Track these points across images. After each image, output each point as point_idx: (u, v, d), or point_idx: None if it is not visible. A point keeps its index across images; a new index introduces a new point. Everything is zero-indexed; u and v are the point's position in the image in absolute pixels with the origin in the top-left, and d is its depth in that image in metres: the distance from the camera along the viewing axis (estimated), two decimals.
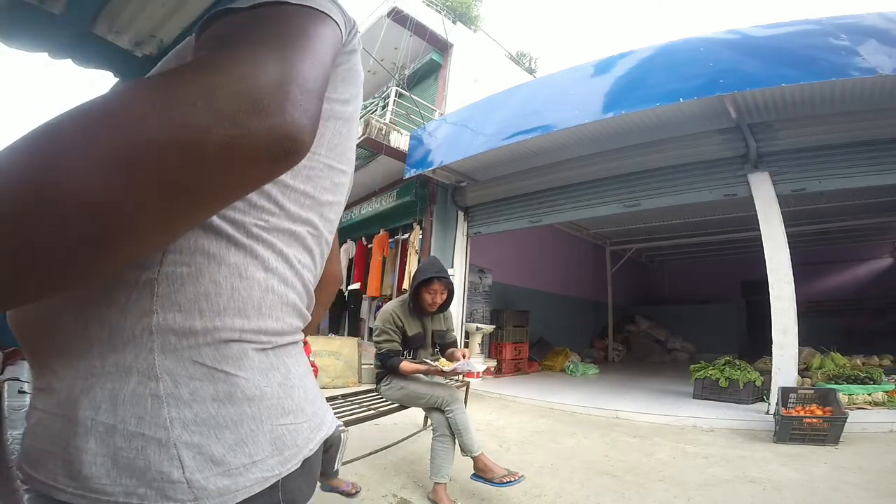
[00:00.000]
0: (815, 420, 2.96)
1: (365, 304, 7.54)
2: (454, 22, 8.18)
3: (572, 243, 8.95)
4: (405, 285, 6.09)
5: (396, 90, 6.85)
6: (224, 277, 0.39)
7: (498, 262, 7.23)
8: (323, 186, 0.48)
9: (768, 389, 3.73)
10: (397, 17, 7.36)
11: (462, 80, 7.69)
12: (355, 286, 7.29)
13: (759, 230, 3.99)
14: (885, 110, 3.69)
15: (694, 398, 4.41)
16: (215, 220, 0.39)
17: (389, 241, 7.02)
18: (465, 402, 2.47)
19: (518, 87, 5.36)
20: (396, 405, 2.44)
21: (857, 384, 3.64)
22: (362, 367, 5.57)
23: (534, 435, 3.38)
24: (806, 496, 2.14)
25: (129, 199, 0.26)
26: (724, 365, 4.39)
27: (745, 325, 9.70)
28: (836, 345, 4.56)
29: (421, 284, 2.42)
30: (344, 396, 2.71)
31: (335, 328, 8.15)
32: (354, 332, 7.66)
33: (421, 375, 2.35)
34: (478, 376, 5.56)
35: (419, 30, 7.57)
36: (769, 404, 3.61)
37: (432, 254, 6.02)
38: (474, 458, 2.11)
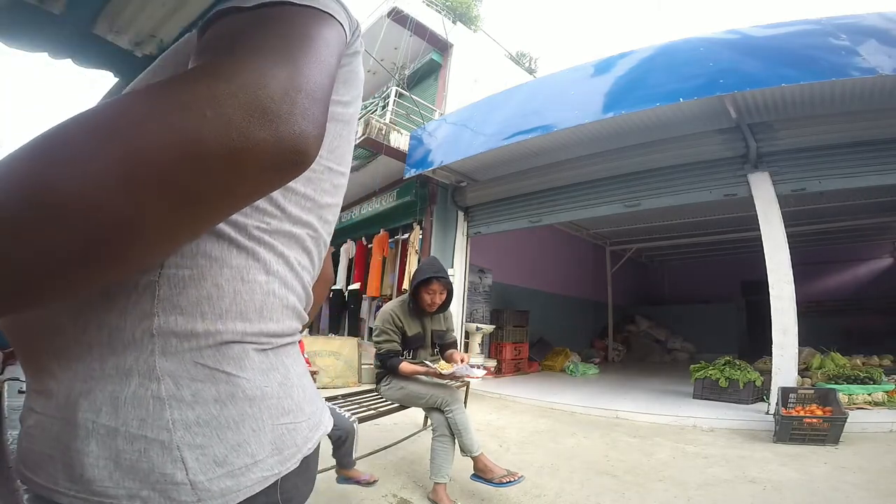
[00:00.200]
0: (815, 420, 2.96)
1: (365, 304, 7.54)
2: (454, 22, 8.18)
3: (572, 243, 8.95)
4: (405, 285, 6.09)
5: (396, 90, 6.85)
6: (226, 280, 0.39)
7: (498, 262, 7.23)
8: (323, 189, 0.48)
9: (768, 389, 3.73)
10: (397, 17, 7.36)
11: (462, 80, 7.69)
12: (355, 286, 7.29)
13: (759, 230, 3.99)
14: (885, 110, 3.69)
15: (694, 398, 4.41)
16: None
17: (389, 241, 7.02)
18: (465, 403, 2.47)
19: (518, 87, 5.36)
20: (396, 405, 2.44)
21: (857, 384, 3.64)
22: (362, 367, 5.57)
23: (534, 435, 3.38)
24: (806, 496, 2.14)
25: (137, 207, 0.26)
26: (724, 365, 4.39)
27: (745, 325, 9.70)
28: (836, 345, 4.57)
29: (420, 285, 2.42)
30: (344, 396, 2.71)
31: (335, 328, 8.14)
32: (354, 332, 7.66)
33: (421, 376, 2.36)
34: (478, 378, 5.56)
35: (419, 30, 7.57)
36: (769, 404, 3.62)
37: (432, 254, 6.02)
38: (474, 459, 2.11)
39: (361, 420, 2.24)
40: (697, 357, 6.86)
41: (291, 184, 0.44)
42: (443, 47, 7.88)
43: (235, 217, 0.40)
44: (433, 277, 2.40)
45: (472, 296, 6.50)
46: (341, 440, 2.02)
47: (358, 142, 5.73)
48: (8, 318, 0.40)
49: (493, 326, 6.51)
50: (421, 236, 6.29)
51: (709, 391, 4.31)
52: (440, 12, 7.97)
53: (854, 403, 3.46)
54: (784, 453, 2.80)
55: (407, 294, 2.52)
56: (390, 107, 6.62)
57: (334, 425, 1.95)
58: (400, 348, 2.40)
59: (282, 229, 0.43)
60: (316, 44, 0.36)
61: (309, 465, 0.47)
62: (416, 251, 6.20)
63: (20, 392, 1.25)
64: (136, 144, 0.26)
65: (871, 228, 7.38)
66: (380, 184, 6.95)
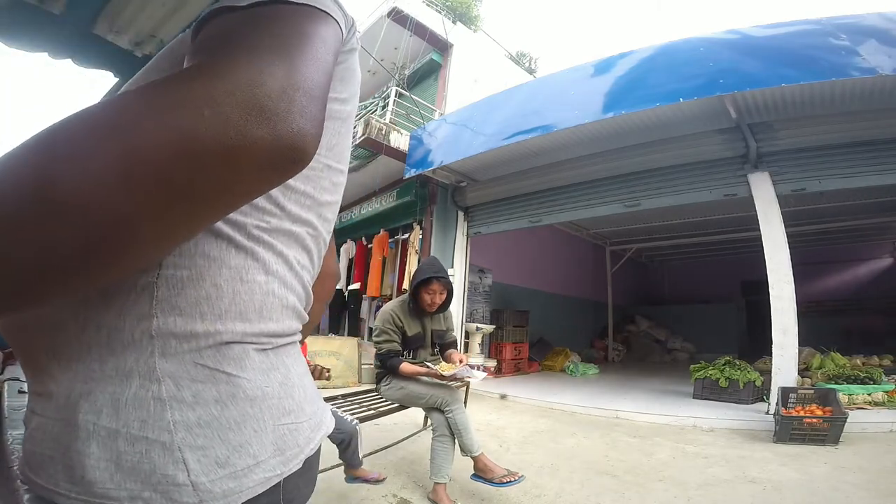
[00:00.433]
0: (815, 420, 2.96)
1: (365, 304, 7.54)
2: (454, 22, 8.18)
3: (572, 243, 8.95)
4: (405, 285, 6.09)
5: (396, 90, 6.85)
6: (225, 281, 0.38)
7: (498, 262, 7.23)
8: (322, 187, 0.47)
9: (768, 389, 3.73)
10: (397, 17, 7.36)
11: (462, 80, 7.69)
12: (355, 286, 7.29)
13: (759, 230, 3.99)
14: (885, 110, 3.69)
15: (694, 398, 4.41)
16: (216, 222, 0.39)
17: (389, 241, 7.02)
18: (465, 403, 2.47)
19: (518, 87, 5.36)
20: (396, 405, 2.44)
21: (857, 384, 3.64)
22: (362, 367, 5.57)
23: (534, 435, 3.38)
24: (806, 496, 2.14)
25: (135, 206, 0.26)
26: (724, 365, 4.39)
27: (745, 325, 9.70)
28: (836, 345, 4.57)
29: (420, 284, 2.42)
30: (344, 396, 2.71)
31: (335, 328, 8.14)
32: (354, 332, 7.66)
33: (420, 376, 2.35)
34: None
35: (419, 30, 7.57)
36: (769, 404, 3.62)
37: (432, 254, 6.02)
38: (474, 459, 2.11)
39: (362, 420, 2.24)
40: (697, 357, 6.86)
41: (290, 182, 0.43)
42: (443, 47, 7.88)
43: (234, 216, 0.40)
44: (433, 277, 2.40)
45: (472, 296, 6.50)
46: (345, 443, 2.01)
47: (358, 142, 5.73)
48: (6, 320, 0.40)
49: (493, 326, 6.51)
50: (421, 236, 6.29)
51: (709, 391, 4.31)
52: (440, 12, 7.97)
53: (854, 403, 3.46)
54: (784, 453, 2.80)
55: (407, 294, 2.53)
56: (390, 107, 6.62)
57: (336, 429, 1.95)
58: (400, 348, 2.40)
59: (281, 228, 0.43)
60: (312, 41, 0.36)
61: (311, 465, 0.46)
62: (416, 251, 6.20)
63: (20, 392, 1.24)
64: (133, 143, 0.26)
65: (871, 228, 7.38)
66: (380, 184, 6.95)
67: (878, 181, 3.77)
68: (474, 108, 5.51)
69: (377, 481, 2.12)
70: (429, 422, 2.76)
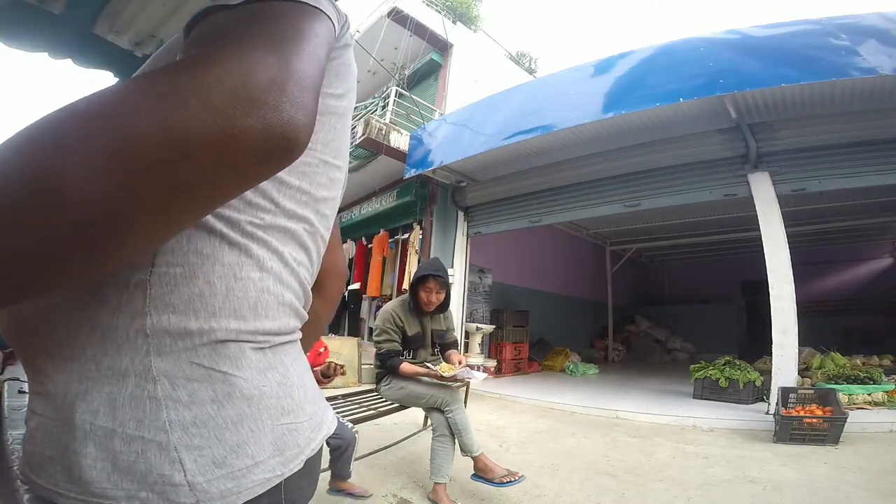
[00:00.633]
0: (815, 420, 2.96)
1: (365, 304, 7.54)
2: (454, 22, 8.18)
3: (572, 243, 8.95)
4: (405, 285, 6.09)
5: (396, 90, 6.85)
6: (219, 278, 0.38)
7: (498, 262, 7.23)
8: (319, 182, 0.47)
9: (768, 389, 3.73)
10: (397, 17, 7.36)
11: (462, 80, 7.69)
12: (355, 286, 7.29)
13: (759, 230, 3.99)
14: (885, 110, 3.69)
15: (694, 398, 4.41)
16: (209, 218, 0.38)
17: (389, 241, 7.02)
18: (465, 403, 2.47)
19: (518, 87, 5.36)
20: (396, 405, 2.44)
21: (857, 384, 3.64)
22: (362, 367, 5.57)
23: (534, 435, 3.38)
24: (806, 496, 2.14)
25: (122, 196, 0.25)
26: (724, 365, 4.39)
27: (745, 325, 9.70)
28: (836, 345, 4.57)
29: (417, 283, 2.44)
30: (344, 396, 2.71)
31: (335, 328, 8.15)
32: (354, 332, 7.66)
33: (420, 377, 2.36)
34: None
35: (419, 30, 7.57)
36: (769, 404, 3.62)
37: (432, 254, 6.02)
38: (474, 459, 2.11)
39: (361, 420, 2.24)
40: (697, 357, 6.86)
41: (285, 177, 0.43)
42: (443, 47, 7.88)
43: (227, 212, 0.39)
44: (430, 275, 2.41)
45: (472, 296, 6.49)
46: (340, 450, 1.97)
47: (358, 142, 5.73)
48: (5, 322, 0.40)
49: (493, 326, 6.51)
50: (421, 236, 6.29)
51: (709, 391, 4.31)
52: (440, 12, 7.97)
53: (854, 403, 3.46)
54: (784, 453, 2.80)
55: (407, 294, 2.53)
56: (390, 107, 6.62)
57: (335, 433, 1.92)
58: (400, 348, 2.40)
59: (276, 224, 0.43)
60: (304, 35, 0.36)
61: (313, 466, 0.46)
62: (416, 251, 6.20)
63: (20, 392, 1.25)
64: (119, 133, 0.25)
65: (871, 228, 7.38)
66: (380, 184, 6.95)
67: (878, 181, 3.77)
68: (474, 108, 5.51)
69: (362, 497, 2.05)
70: (429, 422, 2.76)
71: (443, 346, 2.59)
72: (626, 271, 10.06)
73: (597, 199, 5.21)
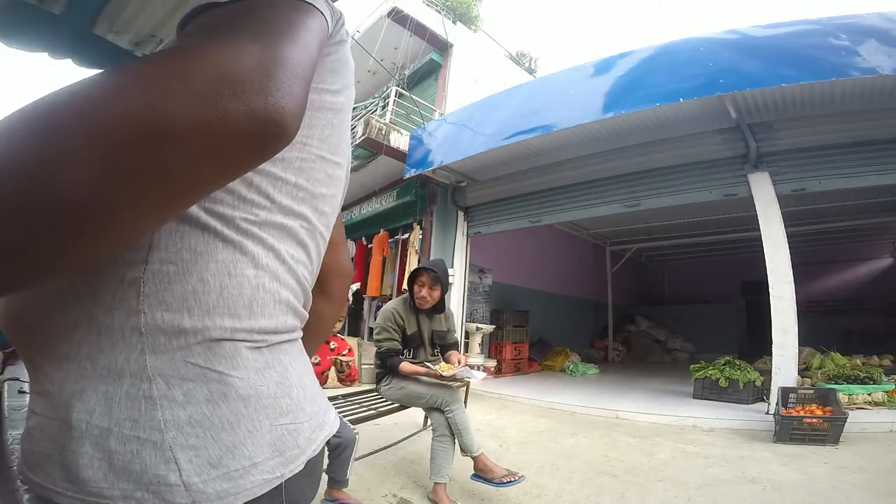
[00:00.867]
0: (815, 420, 2.96)
1: (365, 304, 7.55)
2: (454, 22, 8.19)
3: (572, 243, 8.95)
4: (405, 285, 6.08)
5: (396, 90, 6.85)
6: (212, 275, 0.38)
7: (498, 262, 7.23)
8: (316, 179, 0.46)
9: (768, 389, 3.73)
10: (397, 17, 7.36)
11: (462, 80, 7.69)
12: (355, 286, 7.29)
13: (759, 230, 3.99)
14: (885, 110, 3.69)
15: (694, 398, 4.41)
16: (202, 215, 0.38)
17: (389, 241, 7.03)
18: (465, 402, 2.47)
19: (518, 87, 5.36)
20: (396, 405, 2.44)
21: (857, 384, 3.64)
22: (362, 367, 5.57)
23: (534, 435, 3.38)
24: (806, 496, 2.14)
25: (103, 183, 0.25)
26: (724, 365, 4.39)
27: (745, 325, 9.70)
28: (836, 345, 4.57)
29: (412, 279, 2.46)
30: (344, 396, 2.71)
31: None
32: (354, 332, 7.66)
33: (420, 376, 2.36)
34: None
35: (419, 30, 7.57)
36: (769, 404, 3.61)
37: (432, 254, 6.03)
38: (474, 458, 2.11)
39: (361, 420, 2.24)
40: (697, 357, 6.86)
41: (280, 173, 0.43)
42: (443, 47, 7.88)
43: (221, 209, 0.39)
44: (422, 269, 2.43)
45: (472, 296, 6.49)
46: (339, 449, 1.91)
47: (358, 142, 5.73)
48: (6, 318, 0.40)
49: (493, 326, 6.51)
50: (421, 236, 6.29)
51: (709, 391, 4.31)
52: (440, 12, 7.97)
53: (854, 403, 3.46)
54: (784, 453, 2.80)
55: (408, 293, 2.54)
56: (390, 107, 6.62)
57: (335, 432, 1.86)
58: (400, 347, 2.40)
59: (272, 221, 0.42)
60: (294, 26, 0.36)
61: (314, 467, 0.46)
62: (416, 251, 6.21)
63: (20, 392, 1.24)
64: (103, 118, 0.25)
65: (871, 228, 7.37)
66: (380, 184, 6.95)
67: (878, 181, 3.77)
68: (474, 108, 5.51)
69: None
70: (429, 422, 2.76)
71: (443, 346, 2.59)
72: (626, 271, 10.05)
73: (597, 199, 5.21)
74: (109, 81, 0.27)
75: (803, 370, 4.04)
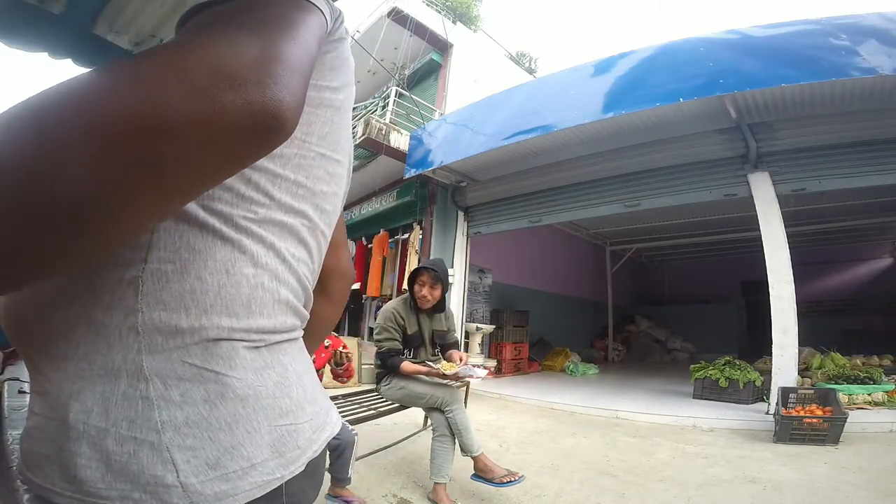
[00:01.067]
0: (815, 420, 2.96)
1: (365, 304, 7.55)
2: (454, 22, 8.18)
3: (572, 243, 8.95)
4: (405, 285, 6.08)
5: (396, 90, 6.85)
6: (210, 274, 0.38)
7: (498, 262, 7.23)
8: (316, 176, 0.46)
9: (768, 389, 3.73)
10: (397, 17, 7.36)
11: (462, 80, 7.69)
12: (355, 286, 7.29)
13: (759, 230, 3.99)
14: (885, 110, 3.69)
15: (694, 398, 4.41)
16: (201, 213, 0.38)
17: (389, 241, 7.03)
18: (465, 402, 2.47)
19: (518, 87, 5.36)
20: (396, 405, 2.44)
21: (857, 384, 3.64)
22: (362, 367, 5.57)
23: (534, 435, 3.38)
24: (806, 496, 2.14)
25: (102, 180, 0.25)
26: (724, 365, 4.39)
27: (745, 325, 9.70)
28: (836, 345, 4.57)
29: (412, 278, 2.46)
30: (344, 396, 2.71)
31: (335, 328, 8.15)
32: (354, 332, 7.67)
33: (421, 375, 2.36)
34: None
35: (419, 30, 7.57)
36: (769, 404, 3.61)
37: (432, 254, 6.03)
38: (474, 458, 2.11)
39: (361, 420, 2.24)
40: (697, 357, 6.86)
41: (279, 169, 0.42)
42: (443, 47, 7.88)
43: (220, 207, 0.39)
44: (422, 268, 2.43)
45: (472, 296, 6.49)
46: (339, 450, 1.92)
47: (358, 142, 5.73)
48: (5, 320, 0.40)
49: (493, 326, 6.51)
50: (421, 236, 6.29)
51: (709, 391, 4.30)
52: (440, 12, 7.97)
53: (854, 403, 3.46)
54: (784, 453, 2.80)
55: (408, 293, 2.54)
56: (390, 107, 6.62)
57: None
58: (401, 347, 2.40)
59: (271, 218, 0.42)
60: (292, 22, 0.36)
61: (316, 468, 0.45)
62: (416, 251, 6.21)
63: (20, 392, 1.24)
64: (98, 113, 0.25)
65: (871, 228, 7.37)
66: (380, 184, 6.95)
67: (878, 181, 3.77)
68: (474, 108, 5.51)
69: None
70: (429, 422, 2.76)
71: (444, 346, 2.59)
72: (626, 271, 10.05)
73: (597, 199, 5.21)
74: (105, 76, 0.27)
75: (803, 370, 4.04)
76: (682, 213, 6.78)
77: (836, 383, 3.64)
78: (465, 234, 6.31)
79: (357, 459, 2.12)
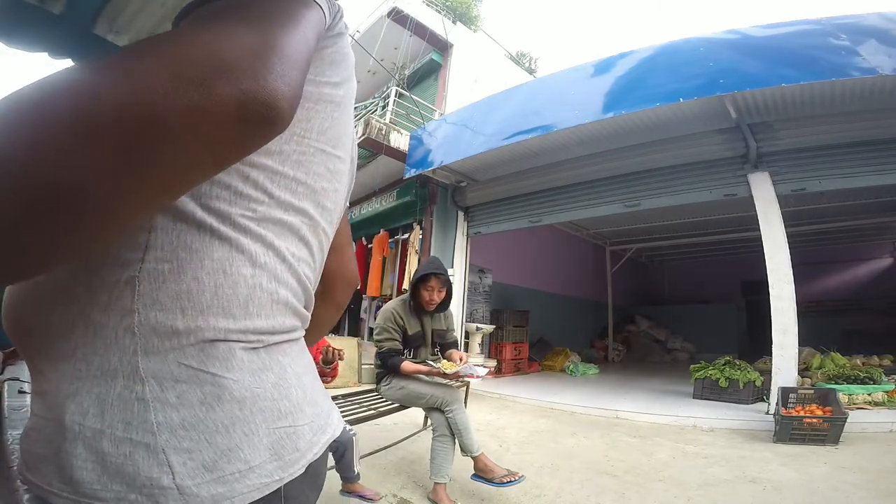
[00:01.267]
0: (815, 420, 2.96)
1: (365, 304, 7.55)
2: (454, 22, 8.18)
3: (572, 243, 8.95)
4: (405, 285, 6.09)
5: (396, 90, 6.85)
6: (207, 274, 0.37)
7: (498, 262, 7.23)
8: (316, 173, 0.45)
9: (768, 389, 3.73)
10: (397, 17, 7.36)
11: (462, 80, 7.69)
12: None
13: (759, 230, 3.99)
14: (885, 110, 3.69)
15: (694, 398, 4.41)
16: (198, 212, 0.37)
17: (389, 241, 7.03)
18: (465, 402, 2.47)
19: (518, 87, 5.36)
20: (396, 405, 2.44)
21: (857, 384, 3.64)
22: (362, 367, 5.57)
23: (534, 435, 3.38)
24: (806, 496, 2.14)
25: (96, 172, 0.25)
26: (724, 365, 4.39)
27: (745, 325, 9.70)
28: (836, 345, 4.57)
29: (418, 282, 2.44)
30: (344, 396, 2.72)
31: (335, 328, 8.15)
32: (354, 332, 7.67)
33: (421, 375, 2.36)
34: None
35: (419, 30, 7.57)
36: (769, 404, 3.61)
37: (432, 254, 6.02)
38: (474, 458, 2.11)
39: (361, 420, 2.24)
40: (697, 357, 6.86)
41: (278, 166, 0.42)
42: (443, 47, 7.88)
43: (217, 205, 0.38)
44: (431, 274, 2.42)
45: (472, 296, 6.49)
46: (339, 452, 1.93)
47: (358, 142, 5.73)
48: (5, 320, 0.40)
49: (493, 326, 6.51)
50: (421, 236, 6.29)
51: (709, 391, 4.30)
52: (440, 12, 7.97)
53: (854, 403, 3.46)
54: (784, 453, 2.80)
55: (408, 293, 2.53)
56: (390, 107, 6.62)
57: None
58: (401, 347, 2.40)
59: (271, 216, 0.41)
60: (289, 15, 0.35)
61: (316, 470, 0.45)
62: (416, 251, 6.21)
63: (20, 392, 1.24)
64: (89, 105, 0.24)
65: (871, 228, 7.37)
66: (380, 184, 6.95)
67: (878, 181, 3.77)
68: (474, 108, 5.51)
69: (372, 500, 2.01)
70: (429, 422, 2.76)
71: (443, 345, 2.59)
72: (626, 271, 10.05)
73: (597, 199, 5.21)
74: (98, 68, 0.26)
75: (803, 370, 4.04)
76: (682, 213, 6.78)
77: (836, 383, 3.64)
78: (465, 234, 6.31)
79: (360, 458, 2.13)
